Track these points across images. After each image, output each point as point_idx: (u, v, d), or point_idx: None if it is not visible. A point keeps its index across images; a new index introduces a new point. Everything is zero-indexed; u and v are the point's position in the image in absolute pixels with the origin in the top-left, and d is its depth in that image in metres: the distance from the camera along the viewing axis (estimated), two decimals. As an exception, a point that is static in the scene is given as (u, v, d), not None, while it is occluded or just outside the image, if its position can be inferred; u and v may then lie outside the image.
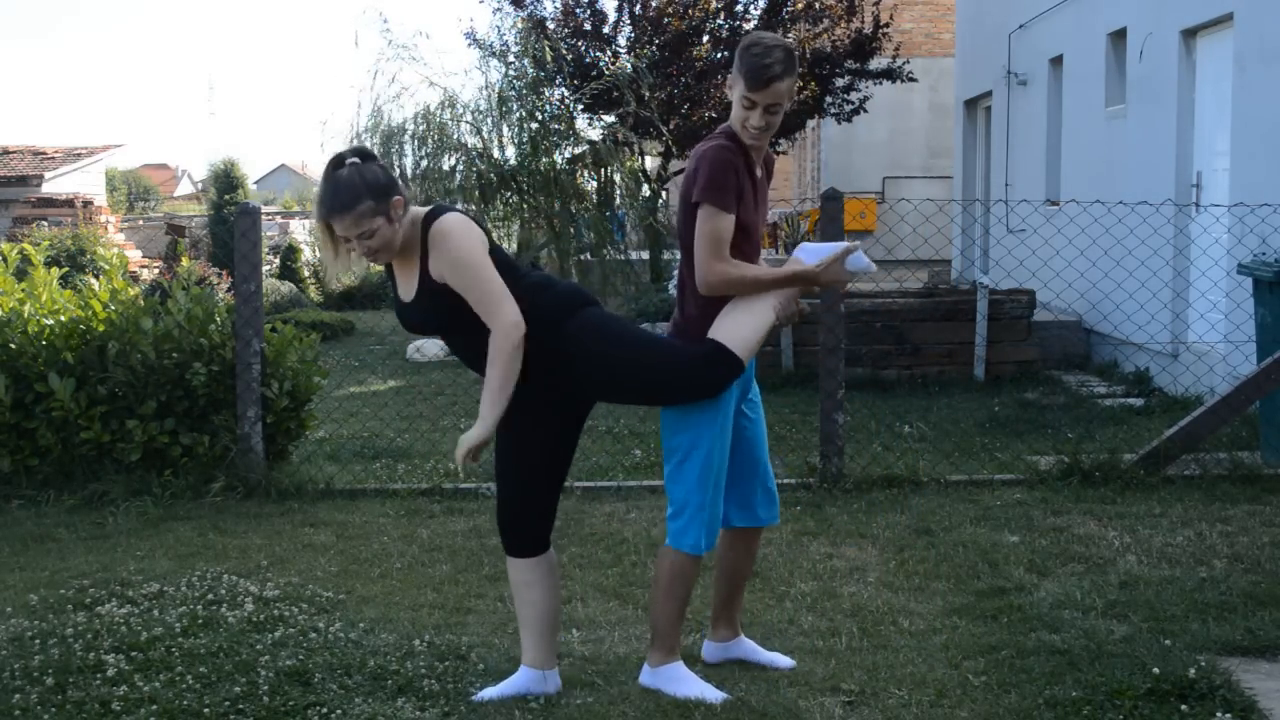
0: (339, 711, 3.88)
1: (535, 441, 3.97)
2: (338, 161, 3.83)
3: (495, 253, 3.87)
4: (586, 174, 13.54)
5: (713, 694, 4.00)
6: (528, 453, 3.99)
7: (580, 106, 16.50)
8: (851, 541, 5.91)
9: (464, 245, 3.79)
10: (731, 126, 3.96)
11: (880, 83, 18.98)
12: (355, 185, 3.77)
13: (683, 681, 4.04)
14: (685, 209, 3.96)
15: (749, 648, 4.38)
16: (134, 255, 19.36)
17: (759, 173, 4.05)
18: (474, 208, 12.76)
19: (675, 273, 12.56)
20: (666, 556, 4.06)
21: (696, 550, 4.00)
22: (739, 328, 3.94)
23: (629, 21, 17.93)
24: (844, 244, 4.02)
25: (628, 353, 3.94)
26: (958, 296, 11.34)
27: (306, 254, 21.43)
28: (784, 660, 4.32)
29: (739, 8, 18.12)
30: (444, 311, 3.86)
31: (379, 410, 9.39)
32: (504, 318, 3.77)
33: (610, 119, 16.76)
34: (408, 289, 3.92)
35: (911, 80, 19.29)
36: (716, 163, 3.87)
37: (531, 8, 18.02)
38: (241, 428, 6.88)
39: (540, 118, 13.08)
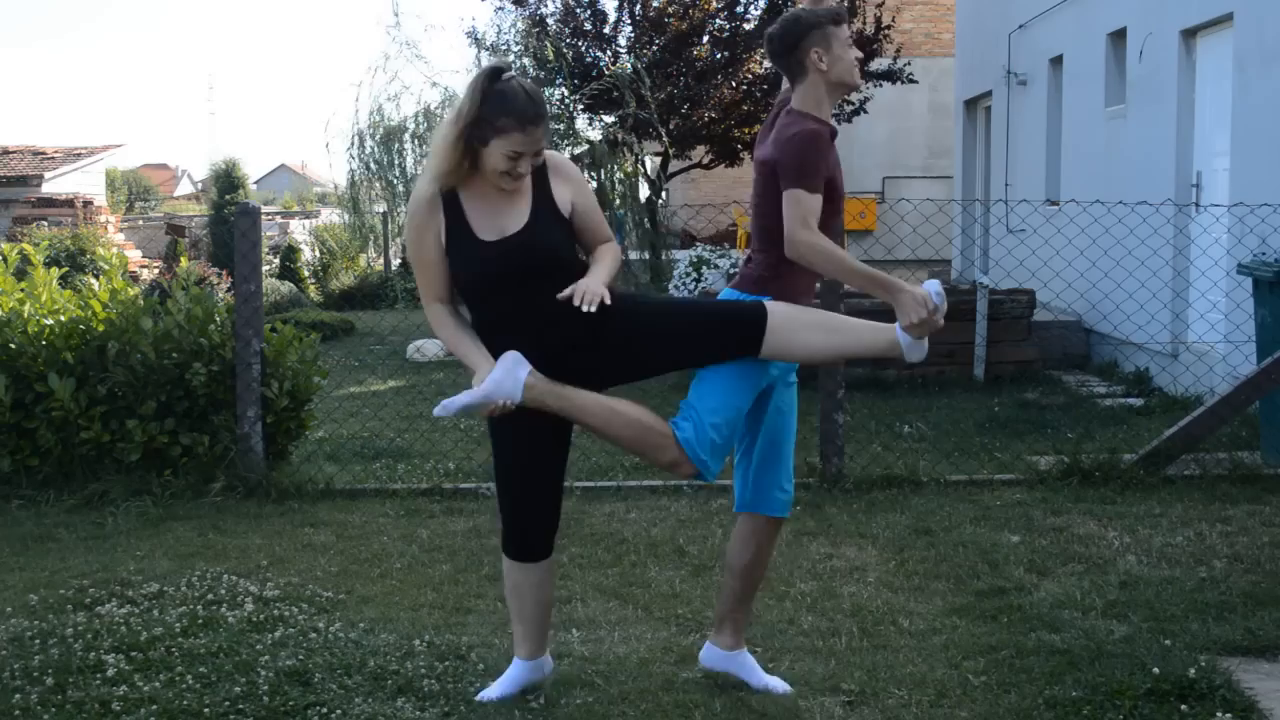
0: (339, 711, 3.88)
1: (526, 449, 3.95)
2: (495, 74, 3.71)
3: None
4: (586, 174, 13.53)
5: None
6: (521, 459, 3.96)
7: (580, 106, 16.50)
8: (851, 541, 5.92)
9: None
10: (820, 95, 4.01)
11: (881, 84, 18.97)
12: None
13: None
14: (766, 181, 3.99)
15: (748, 665, 4.17)
16: (134, 255, 19.36)
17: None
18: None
19: (676, 272, 12.63)
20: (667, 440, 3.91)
21: (686, 442, 3.86)
22: (799, 310, 3.91)
23: (629, 21, 17.94)
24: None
25: (659, 303, 3.99)
26: (958, 296, 11.32)
27: (306, 254, 21.41)
28: (780, 685, 4.11)
29: (739, 8, 18.13)
30: (562, 234, 3.82)
31: (379, 410, 9.39)
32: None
33: (610, 119, 16.76)
34: (504, 223, 3.78)
35: (912, 81, 19.27)
36: (808, 146, 3.93)
37: (533, 7, 18.03)
38: (241, 428, 6.88)
39: (540, 118, 13.07)
